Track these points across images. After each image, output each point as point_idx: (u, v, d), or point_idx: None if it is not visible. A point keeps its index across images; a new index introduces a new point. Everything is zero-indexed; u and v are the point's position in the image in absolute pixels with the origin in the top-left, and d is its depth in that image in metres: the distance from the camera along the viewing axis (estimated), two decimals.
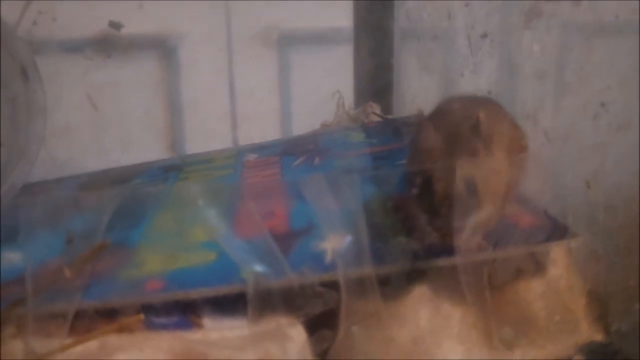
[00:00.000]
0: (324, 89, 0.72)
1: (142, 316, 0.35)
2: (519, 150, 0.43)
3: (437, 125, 0.42)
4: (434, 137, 0.42)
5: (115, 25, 0.65)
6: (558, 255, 0.41)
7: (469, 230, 0.39)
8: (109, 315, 0.37)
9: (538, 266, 0.41)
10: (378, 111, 0.73)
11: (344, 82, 0.73)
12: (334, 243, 0.39)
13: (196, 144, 0.69)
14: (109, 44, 0.65)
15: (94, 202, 0.35)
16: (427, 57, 0.68)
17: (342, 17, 0.72)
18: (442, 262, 0.40)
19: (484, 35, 0.60)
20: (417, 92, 0.67)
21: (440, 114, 0.45)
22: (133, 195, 0.40)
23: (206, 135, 0.69)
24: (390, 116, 0.72)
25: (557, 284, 0.41)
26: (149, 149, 0.68)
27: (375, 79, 0.74)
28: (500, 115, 0.43)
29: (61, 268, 0.34)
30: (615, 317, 0.42)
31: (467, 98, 0.47)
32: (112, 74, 0.66)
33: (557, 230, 0.42)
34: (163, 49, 0.67)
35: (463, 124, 0.41)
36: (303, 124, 0.71)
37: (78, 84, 0.66)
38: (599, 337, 0.41)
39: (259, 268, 0.38)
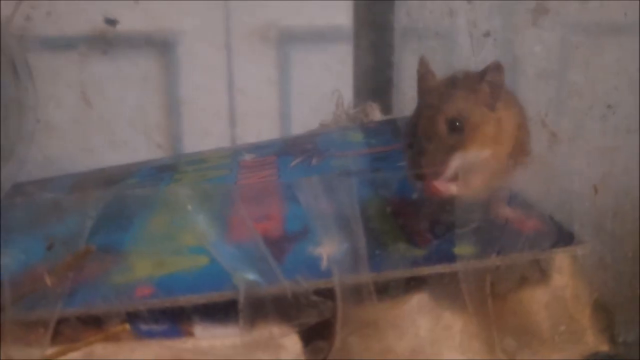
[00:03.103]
0: (323, 87, 0.70)
1: (127, 326, 0.34)
2: (523, 153, 0.42)
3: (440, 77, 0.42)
4: (434, 79, 0.41)
5: (110, 21, 0.64)
6: (564, 263, 0.40)
7: (448, 170, 0.38)
8: (95, 323, 0.35)
9: (543, 274, 0.40)
10: (377, 111, 0.72)
11: (343, 80, 0.72)
12: (330, 249, 0.38)
13: (193, 143, 0.68)
14: (104, 40, 0.64)
15: (76, 206, 0.33)
16: (428, 56, 0.67)
17: (342, 15, 0.71)
18: (443, 269, 0.38)
19: (487, 34, 0.59)
20: None
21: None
22: (119, 198, 0.38)
23: (203, 134, 0.68)
24: (390, 116, 0.71)
25: (563, 293, 0.39)
26: (144, 148, 0.67)
27: (375, 78, 0.73)
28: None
29: (42, 275, 0.33)
30: (621, 328, 0.41)
31: None
32: (107, 71, 0.65)
33: (563, 237, 0.40)
34: (160, 45, 0.66)
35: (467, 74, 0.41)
36: (301, 123, 0.70)
37: (72, 81, 0.64)
38: (604, 348, 0.40)
39: (251, 275, 0.37)
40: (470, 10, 0.60)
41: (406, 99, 0.69)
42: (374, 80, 0.73)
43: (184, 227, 0.42)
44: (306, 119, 0.70)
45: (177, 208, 0.39)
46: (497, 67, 0.40)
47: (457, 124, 0.38)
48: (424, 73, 0.42)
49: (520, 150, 0.42)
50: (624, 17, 0.49)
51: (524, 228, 0.40)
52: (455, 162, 0.38)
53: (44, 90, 0.59)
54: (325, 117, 0.71)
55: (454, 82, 0.41)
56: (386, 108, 0.72)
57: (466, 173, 0.38)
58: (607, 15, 0.52)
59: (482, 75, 0.40)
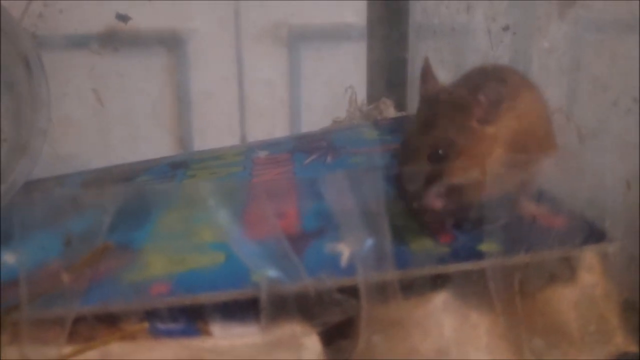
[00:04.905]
0: (336, 84, 0.70)
1: (146, 324, 0.33)
2: (547, 148, 0.41)
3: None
4: (434, 86, 0.40)
5: (122, 18, 0.64)
6: (594, 261, 0.38)
7: (428, 197, 0.37)
8: (110, 321, 0.34)
9: (572, 272, 0.38)
10: (392, 108, 0.71)
11: (356, 77, 0.71)
12: (353, 245, 0.37)
13: (204, 140, 0.67)
14: (116, 38, 0.64)
15: (94, 201, 0.33)
16: (443, 52, 0.66)
17: (354, 12, 0.70)
18: (470, 266, 0.37)
19: (506, 28, 0.57)
20: None
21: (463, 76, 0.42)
22: (137, 194, 0.37)
23: (215, 131, 0.68)
24: (404, 113, 0.70)
25: (592, 292, 0.38)
26: (156, 145, 0.66)
27: (389, 74, 0.73)
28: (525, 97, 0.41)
29: (59, 272, 0.32)
30: None
31: (504, 70, 0.44)
32: (119, 69, 0.65)
33: (593, 234, 0.39)
34: (171, 43, 0.66)
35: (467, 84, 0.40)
36: (314, 121, 0.70)
37: (84, 78, 0.64)
38: (634, 348, 0.39)
39: (272, 272, 0.36)
40: (489, 4, 0.59)
41: None
42: (388, 77, 0.73)
43: (200, 222, 0.41)
44: (319, 116, 0.69)
45: (193, 204, 0.38)
46: (497, 82, 0.38)
47: (440, 152, 0.38)
48: (425, 77, 0.41)
49: (543, 145, 0.40)
50: None
51: (552, 225, 0.39)
52: (436, 189, 0.37)
53: (56, 88, 0.59)
54: (338, 114, 0.70)
55: (447, 96, 0.39)
56: (400, 105, 0.72)
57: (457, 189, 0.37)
58: (633, 7, 0.50)
59: (477, 90, 0.38)
